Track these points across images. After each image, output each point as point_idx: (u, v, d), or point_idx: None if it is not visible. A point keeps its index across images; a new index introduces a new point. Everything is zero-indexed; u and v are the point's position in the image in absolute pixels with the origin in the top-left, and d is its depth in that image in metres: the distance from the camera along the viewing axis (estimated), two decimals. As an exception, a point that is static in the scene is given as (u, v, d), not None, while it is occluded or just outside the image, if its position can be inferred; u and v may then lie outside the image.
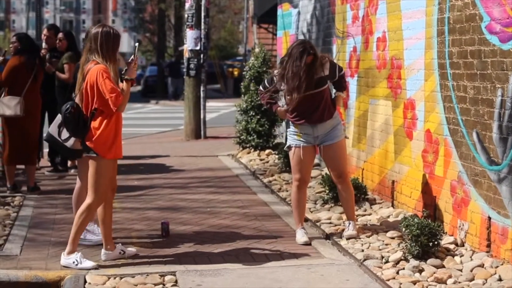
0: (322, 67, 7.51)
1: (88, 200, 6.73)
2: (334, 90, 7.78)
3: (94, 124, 6.64)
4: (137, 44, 6.96)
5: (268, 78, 7.92)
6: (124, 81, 6.70)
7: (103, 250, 6.98)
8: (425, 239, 6.73)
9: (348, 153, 10.20)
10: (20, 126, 9.98)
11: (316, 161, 7.65)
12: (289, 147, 7.65)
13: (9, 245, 7.52)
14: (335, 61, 10.77)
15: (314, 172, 10.72)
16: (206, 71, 17.41)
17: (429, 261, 6.68)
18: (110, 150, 6.68)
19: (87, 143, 6.67)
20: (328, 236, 7.70)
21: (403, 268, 6.57)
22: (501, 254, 6.52)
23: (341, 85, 7.73)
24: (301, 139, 7.56)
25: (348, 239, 7.50)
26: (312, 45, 7.56)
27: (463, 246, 7.08)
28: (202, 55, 16.90)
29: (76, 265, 6.68)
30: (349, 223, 7.68)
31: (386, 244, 7.30)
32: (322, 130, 7.54)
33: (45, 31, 11.83)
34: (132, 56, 6.74)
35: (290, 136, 7.65)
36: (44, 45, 11.51)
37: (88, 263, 6.71)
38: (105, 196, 6.83)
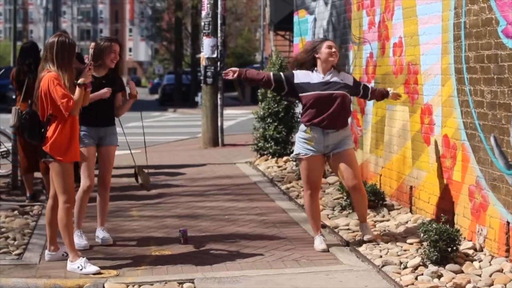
0: (342, 74, 7.69)
1: (61, 204, 6.92)
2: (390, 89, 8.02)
3: (50, 129, 6.86)
4: (92, 46, 7.11)
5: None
6: (76, 86, 6.86)
7: (46, 251, 7.24)
8: (444, 244, 6.71)
9: (365, 159, 10.21)
10: None
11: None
12: (298, 156, 7.58)
13: (28, 253, 7.56)
14: (352, 67, 10.80)
15: (332, 179, 10.71)
16: (223, 79, 17.42)
17: (447, 266, 6.66)
18: (66, 154, 6.86)
19: (43, 148, 6.88)
20: (346, 243, 7.69)
21: (422, 274, 6.55)
22: (521, 259, 6.50)
23: (366, 93, 7.84)
24: (311, 147, 7.49)
25: (369, 242, 7.49)
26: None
27: (482, 251, 7.05)
28: (219, 63, 16.92)
29: (81, 270, 6.80)
30: (365, 227, 7.66)
31: (405, 250, 7.28)
32: (333, 140, 7.47)
33: None
34: (86, 61, 6.89)
35: (299, 143, 7.54)
36: None
37: (92, 268, 6.81)
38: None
